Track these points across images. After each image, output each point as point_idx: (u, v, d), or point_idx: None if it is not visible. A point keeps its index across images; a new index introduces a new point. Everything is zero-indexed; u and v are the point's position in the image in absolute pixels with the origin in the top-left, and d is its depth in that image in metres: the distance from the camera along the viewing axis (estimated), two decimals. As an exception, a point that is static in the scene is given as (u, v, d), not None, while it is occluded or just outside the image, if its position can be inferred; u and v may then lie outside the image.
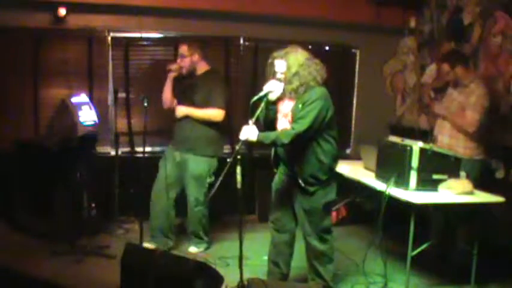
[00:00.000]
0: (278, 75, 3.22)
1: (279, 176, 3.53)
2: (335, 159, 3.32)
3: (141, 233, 3.95)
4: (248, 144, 3.32)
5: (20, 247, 4.20)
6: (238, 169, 3.07)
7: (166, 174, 4.26)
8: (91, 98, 5.02)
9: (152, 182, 4.39)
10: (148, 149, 4.96)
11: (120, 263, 3.11)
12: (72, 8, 4.86)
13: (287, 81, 3.19)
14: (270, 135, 3.19)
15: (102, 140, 5.11)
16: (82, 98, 4.71)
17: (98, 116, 4.75)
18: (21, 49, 5.00)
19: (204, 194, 4.33)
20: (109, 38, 5.20)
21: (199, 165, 4.27)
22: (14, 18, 4.77)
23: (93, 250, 4.17)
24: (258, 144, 3.19)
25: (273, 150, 3.49)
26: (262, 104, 3.20)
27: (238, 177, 3.08)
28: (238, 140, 3.15)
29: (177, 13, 5.12)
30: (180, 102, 4.35)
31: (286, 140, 3.14)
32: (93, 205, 4.69)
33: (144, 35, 5.32)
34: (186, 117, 4.28)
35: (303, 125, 3.12)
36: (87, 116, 4.60)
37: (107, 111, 5.23)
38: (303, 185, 3.27)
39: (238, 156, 3.05)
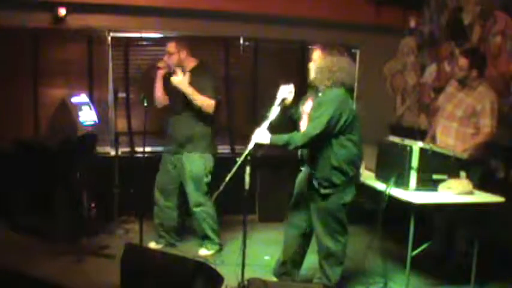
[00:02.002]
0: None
1: (302, 174, 3.57)
2: (351, 164, 3.25)
3: (141, 233, 3.95)
4: (258, 145, 3.33)
5: (20, 247, 4.20)
6: (248, 170, 3.10)
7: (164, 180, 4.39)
8: (91, 98, 5.03)
9: (152, 182, 4.39)
10: (148, 149, 4.94)
11: (120, 263, 3.11)
12: (72, 8, 4.87)
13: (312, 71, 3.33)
14: (283, 137, 3.21)
15: (102, 140, 5.12)
16: (82, 98, 4.72)
17: (98, 116, 4.76)
18: (21, 49, 5.00)
19: (204, 194, 4.31)
20: (109, 38, 5.20)
21: (195, 164, 4.24)
22: (14, 18, 4.77)
23: (93, 250, 4.17)
24: (270, 146, 3.23)
25: (299, 150, 3.51)
26: (278, 109, 3.27)
27: (247, 178, 3.12)
28: (249, 141, 3.17)
29: (177, 13, 5.12)
30: (171, 100, 4.33)
31: (299, 143, 3.17)
32: (93, 205, 4.69)
33: (144, 35, 5.32)
34: (178, 116, 4.25)
35: (315, 128, 3.13)
36: (87, 116, 4.61)
37: (107, 111, 5.23)
38: (317, 186, 3.29)
39: (249, 157, 3.09)
